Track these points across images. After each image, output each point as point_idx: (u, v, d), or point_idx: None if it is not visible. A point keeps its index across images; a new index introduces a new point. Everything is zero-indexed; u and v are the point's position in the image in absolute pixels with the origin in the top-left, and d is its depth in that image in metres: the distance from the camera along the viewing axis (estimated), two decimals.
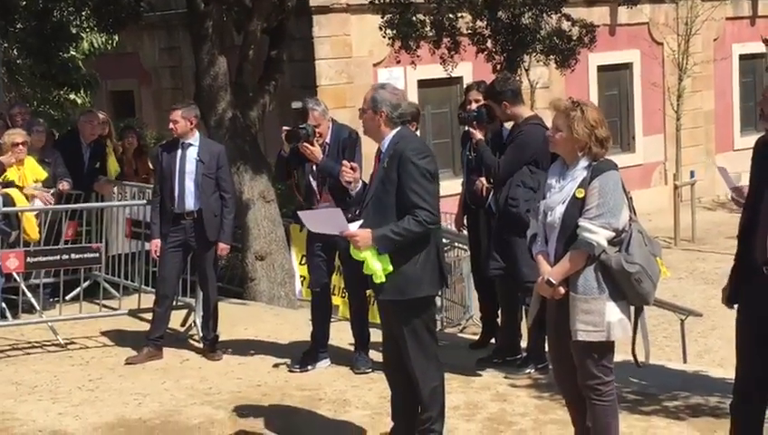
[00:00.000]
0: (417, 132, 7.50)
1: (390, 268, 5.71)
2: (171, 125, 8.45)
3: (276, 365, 8.18)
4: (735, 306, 5.51)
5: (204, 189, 8.41)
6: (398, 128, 5.91)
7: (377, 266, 5.69)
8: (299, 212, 6.94)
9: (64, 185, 10.35)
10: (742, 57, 26.02)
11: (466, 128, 8.22)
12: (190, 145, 8.49)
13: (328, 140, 7.87)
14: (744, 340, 5.45)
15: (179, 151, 8.47)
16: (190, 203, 8.43)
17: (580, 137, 5.29)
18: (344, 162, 6.68)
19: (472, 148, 8.15)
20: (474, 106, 8.24)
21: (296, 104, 7.94)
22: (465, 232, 8.82)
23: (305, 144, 7.64)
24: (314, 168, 7.82)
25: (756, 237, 5.28)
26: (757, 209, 5.33)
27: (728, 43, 25.77)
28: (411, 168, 5.72)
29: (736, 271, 5.48)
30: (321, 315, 8.13)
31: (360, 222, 5.84)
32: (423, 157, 5.78)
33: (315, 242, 7.93)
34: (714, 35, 25.13)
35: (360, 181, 6.62)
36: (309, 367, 8.02)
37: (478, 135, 7.89)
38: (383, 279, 5.72)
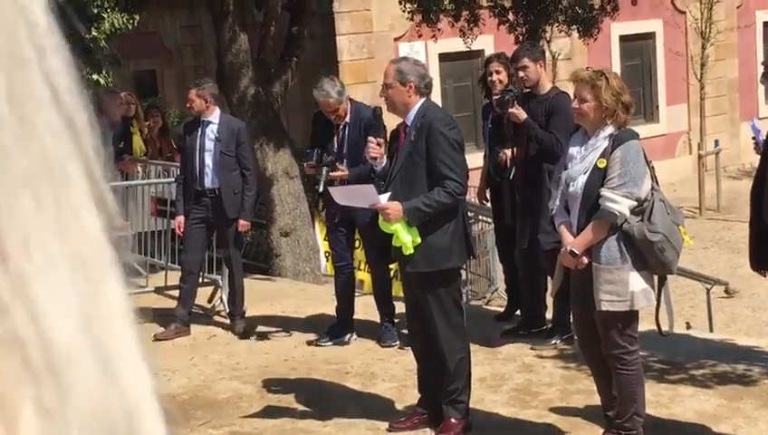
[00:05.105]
0: None
1: (419, 240, 5.73)
2: (188, 104, 8.57)
3: (305, 341, 8.24)
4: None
5: (222, 166, 8.45)
6: (424, 99, 5.93)
7: (407, 239, 5.71)
8: (330, 188, 6.89)
9: None
10: (766, 24, 25.76)
11: (498, 109, 8.01)
12: (209, 123, 8.53)
13: (348, 120, 7.86)
14: None
15: (199, 129, 8.53)
16: (210, 180, 8.48)
17: (609, 105, 5.29)
18: (370, 138, 6.59)
19: (493, 119, 8.11)
20: (495, 77, 8.15)
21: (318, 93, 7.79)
22: (488, 204, 8.82)
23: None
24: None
25: (763, 199, 5.29)
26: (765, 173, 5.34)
27: (752, 9, 25.51)
28: (440, 138, 5.73)
29: (752, 236, 5.50)
30: (346, 290, 8.17)
31: (389, 194, 5.85)
32: (451, 127, 5.81)
33: (333, 218, 7.95)
34: (737, 2, 24.89)
35: (385, 157, 6.61)
36: (335, 341, 8.08)
37: (522, 114, 7.54)
38: (412, 251, 5.74)
